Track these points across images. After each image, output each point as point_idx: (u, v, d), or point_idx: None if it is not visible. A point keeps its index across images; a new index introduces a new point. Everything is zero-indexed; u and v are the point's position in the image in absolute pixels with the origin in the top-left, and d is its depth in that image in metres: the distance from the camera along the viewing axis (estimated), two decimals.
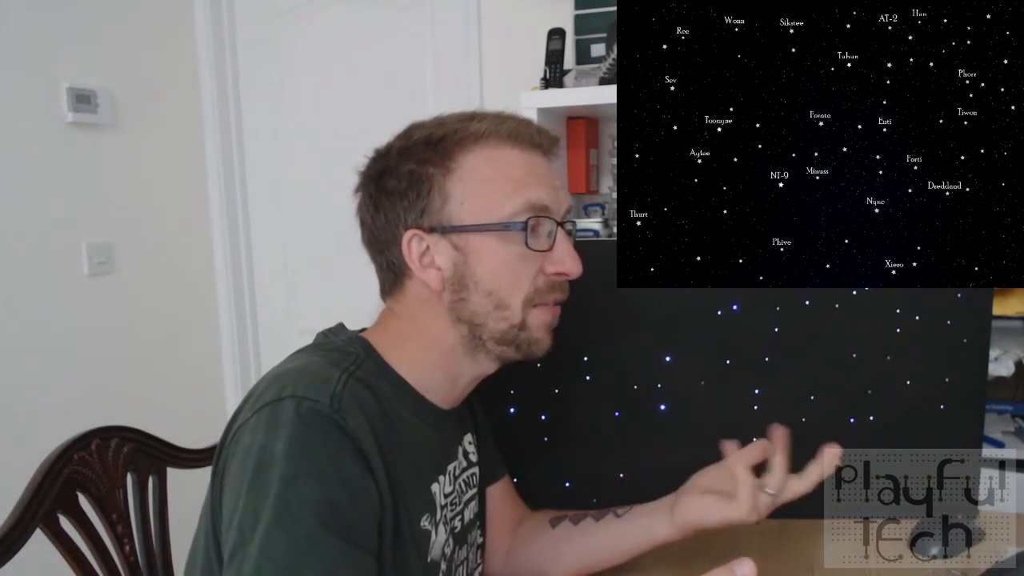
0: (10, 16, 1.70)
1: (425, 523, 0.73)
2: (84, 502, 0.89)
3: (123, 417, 1.02)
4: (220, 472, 0.67)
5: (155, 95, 2.05)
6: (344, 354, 0.73)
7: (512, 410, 1.02)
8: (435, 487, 0.76)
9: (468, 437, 0.87)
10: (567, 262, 0.74)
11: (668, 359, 1.00)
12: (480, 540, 0.89)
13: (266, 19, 2.17)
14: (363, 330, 0.80)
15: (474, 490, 0.87)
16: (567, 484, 1.03)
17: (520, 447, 1.01)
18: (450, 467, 0.80)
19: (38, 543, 0.83)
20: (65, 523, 0.86)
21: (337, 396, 0.65)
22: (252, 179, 2.27)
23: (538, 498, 0.98)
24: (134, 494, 0.95)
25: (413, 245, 0.73)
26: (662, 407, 1.00)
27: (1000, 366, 1.20)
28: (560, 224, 0.75)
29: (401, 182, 0.73)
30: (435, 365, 0.76)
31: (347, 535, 0.62)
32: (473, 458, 0.87)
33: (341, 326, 0.80)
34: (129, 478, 0.95)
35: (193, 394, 2.16)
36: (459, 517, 0.81)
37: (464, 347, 0.75)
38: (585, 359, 1.01)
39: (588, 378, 1.01)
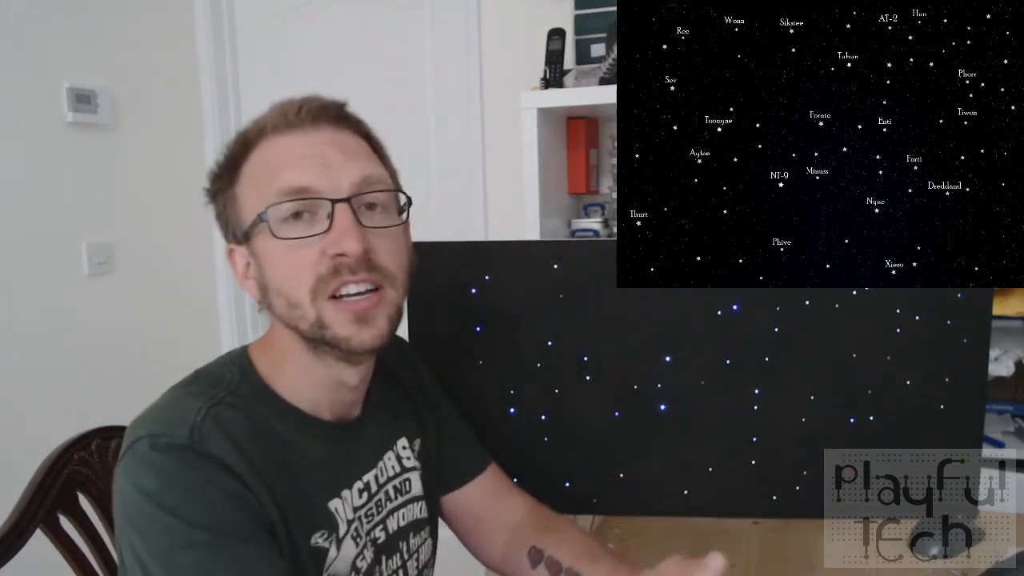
0: (10, 16, 1.70)
1: (319, 540, 0.71)
2: (84, 502, 0.89)
3: (124, 417, 1.01)
4: (116, 528, 0.66)
5: (155, 95, 2.05)
6: (216, 379, 0.72)
7: (512, 410, 1.02)
8: (335, 503, 0.73)
9: (403, 442, 0.84)
10: (342, 241, 0.66)
11: (668, 359, 1.00)
12: (428, 545, 0.87)
13: (266, 19, 2.17)
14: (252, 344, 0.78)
15: (408, 495, 0.83)
16: (567, 484, 1.03)
17: (520, 447, 1.01)
18: (365, 478, 0.78)
19: (38, 543, 0.83)
20: (65, 523, 0.86)
21: (197, 427, 0.64)
22: None
23: (538, 498, 0.97)
24: None
25: (235, 260, 0.73)
26: (662, 407, 1.00)
27: (1000, 366, 1.20)
28: (347, 201, 0.68)
29: (215, 203, 0.74)
30: (299, 376, 0.74)
31: (246, 537, 0.63)
32: (409, 463, 0.84)
33: (243, 346, 0.78)
34: None
35: None
36: (381, 527, 0.79)
37: (307, 352, 0.72)
38: (585, 359, 1.01)
39: (588, 378, 1.01)
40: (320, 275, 0.67)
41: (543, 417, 1.02)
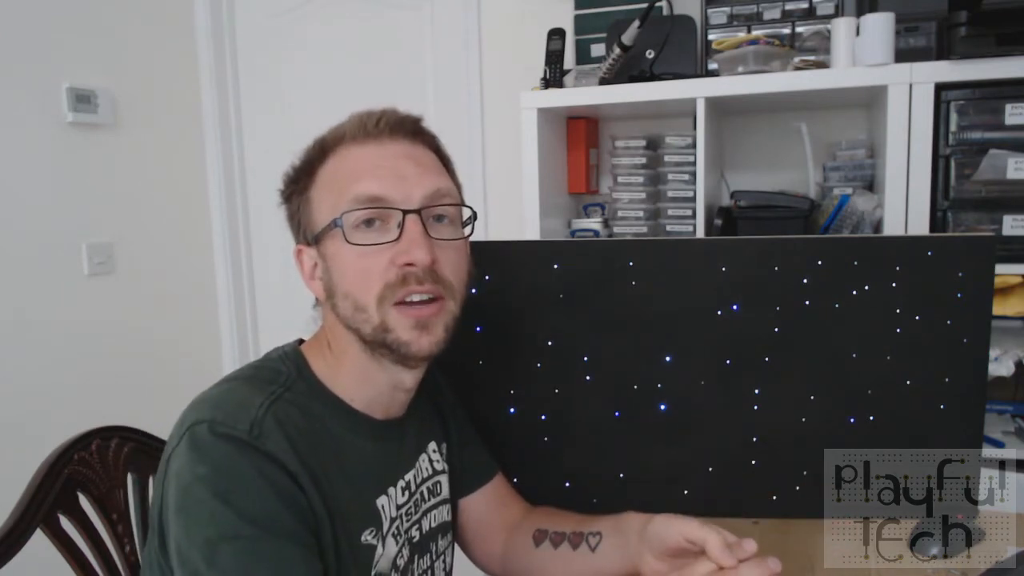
0: (10, 16, 1.70)
1: (368, 537, 0.72)
2: (84, 502, 0.89)
3: (123, 417, 1.02)
4: (159, 504, 0.67)
5: (155, 95, 2.05)
6: (274, 374, 0.73)
7: (512, 410, 1.02)
8: (382, 500, 0.75)
9: (432, 445, 0.86)
10: (411, 251, 0.68)
11: (668, 359, 1.00)
12: (451, 549, 0.88)
13: (266, 19, 2.17)
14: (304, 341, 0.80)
15: (439, 497, 0.86)
16: (567, 484, 1.03)
17: (520, 447, 1.01)
18: (407, 477, 0.79)
19: (38, 543, 0.83)
20: (65, 523, 0.86)
21: (257, 422, 0.66)
22: (252, 179, 2.27)
23: (538, 498, 0.98)
24: (134, 494, 0.95)
25: (303, 260, 0.76)
26: (662, 407, 1.00)
27: (1000, 366, 1.20)
28: (417, 212, 0.70)
29: (289, 205, 0.77)
30: (356, 378, 0.75)
31: (290, 536, 0.63)
32: (439, 466, 0.86)
33: (296, 341, 0.80)
34: (129, 478, 0.95)
35: (193, 394, 2.15)
36: (416, 527, 0.80)
37: (365, 354, 0.73)
38: (585, 359, 1.01)
39: (588, 378, 1.01)
40: (388, 283, 0.69)
41: (543, 417, 1.02)
